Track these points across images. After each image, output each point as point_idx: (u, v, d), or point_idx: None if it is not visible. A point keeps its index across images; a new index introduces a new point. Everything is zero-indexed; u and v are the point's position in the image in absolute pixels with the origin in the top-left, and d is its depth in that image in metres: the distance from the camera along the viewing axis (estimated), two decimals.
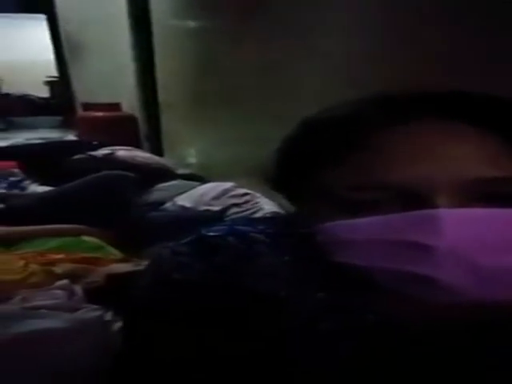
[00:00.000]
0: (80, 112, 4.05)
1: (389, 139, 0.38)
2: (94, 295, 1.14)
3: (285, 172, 0.46)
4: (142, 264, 1.14)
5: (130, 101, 3.52)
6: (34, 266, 1.24)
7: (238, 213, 1.95)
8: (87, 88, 4.52)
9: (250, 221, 0.56)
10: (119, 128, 3.48)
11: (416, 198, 0.36)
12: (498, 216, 0.36)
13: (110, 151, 2.65)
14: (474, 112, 0.38)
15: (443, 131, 0.38)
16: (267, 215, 1.69)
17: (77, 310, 1.07)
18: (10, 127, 5.73)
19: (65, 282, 1.18)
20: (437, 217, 0.35)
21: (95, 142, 2.86)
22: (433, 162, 0.36)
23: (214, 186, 2.15)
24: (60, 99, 6.05)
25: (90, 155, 2.59)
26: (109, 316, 1.04)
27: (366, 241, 0.38)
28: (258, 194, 2.02)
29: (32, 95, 7.11)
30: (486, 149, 0.37)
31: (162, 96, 3.19)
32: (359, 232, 0.38)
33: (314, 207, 0.42)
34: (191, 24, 2.52)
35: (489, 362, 0.42)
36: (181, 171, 2.71)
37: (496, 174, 0.36)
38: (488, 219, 0.35)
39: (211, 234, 0.50)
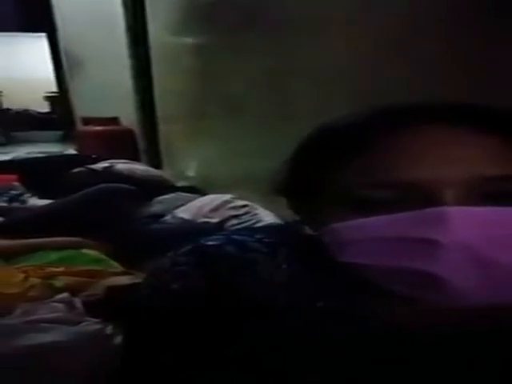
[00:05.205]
0: (79, 126, 4.07)
1: (398, 141, 0.39)
2: (95, 308, 1.13)
3: (296, 177, 0.46)
4: (143, 277, 1.13)
5: (128, 115, 3.54)
6: (33, 280, 1.24)
7: (237, 224, 1.94)
8: (86, 103, 4.55)
9: (247, 230, 0.56)
10: (118, 142, 3.50)
11: (424, 196, 0.37)
12: (506, 214, 0.36)
13: (109, 164, 2.66)
14: (476, 117, 0.40)
15: (450, 134, 0.39)
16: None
17: (77, 323, 1.06)
18: (11, 141, 5.76)
19: (65, 295, 1.17)
20: (444, 213, 0.35)
21: (94, 156, 2.89)
22: (441, 161, 0.37)
23: (212, 198, 2.15)
24: (60, 114, 6.10)
25: (90, 168, 2.61)
26: (109, 329, 1.04)
27: (372, 240, 0.38)
28: (256, 206, 2.03)
29: (32, 110, 7.17)
30: (490, 149, 0.38)
31: (160, 110, 3.20)
32: (366, 231, 0.38)
33: (323, 210, 0.42)
34: (188, 39, 2.54)
35: (498, 370, 0.41)
36: (179, 184, 2.72)
37: (502, 172, 0.37)
38: (496, 217, 0.36)
39: (209, 243, 0.50)
